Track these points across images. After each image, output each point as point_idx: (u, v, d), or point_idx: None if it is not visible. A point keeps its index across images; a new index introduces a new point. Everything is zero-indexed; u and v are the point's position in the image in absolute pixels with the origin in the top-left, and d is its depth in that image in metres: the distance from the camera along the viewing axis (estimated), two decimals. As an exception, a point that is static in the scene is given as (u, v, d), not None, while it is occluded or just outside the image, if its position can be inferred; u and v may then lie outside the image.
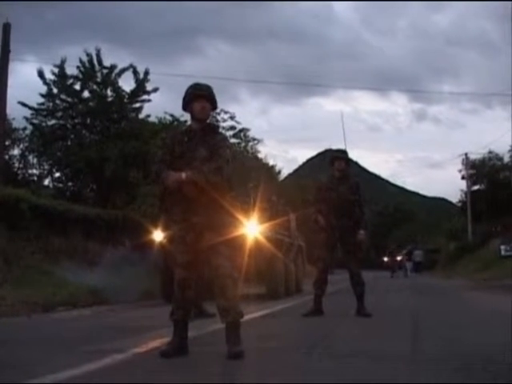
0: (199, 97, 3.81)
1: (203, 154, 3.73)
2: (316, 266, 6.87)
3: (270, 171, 23.00)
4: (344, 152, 6.76)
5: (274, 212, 10.94)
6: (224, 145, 3.86)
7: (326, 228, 6.45)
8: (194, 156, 3.73)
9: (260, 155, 23.50)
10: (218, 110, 20.72)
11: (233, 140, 21.61)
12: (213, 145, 3.76)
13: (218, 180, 3.66)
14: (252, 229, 9.12)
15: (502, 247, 23.35)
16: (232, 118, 21.81)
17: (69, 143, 18.53)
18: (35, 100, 18.05)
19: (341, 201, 6.41)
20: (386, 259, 45.17)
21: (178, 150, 3.79)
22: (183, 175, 3.63)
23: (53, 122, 18.35)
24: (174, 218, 3.77)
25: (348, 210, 6.43)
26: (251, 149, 22.65)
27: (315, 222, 6.59)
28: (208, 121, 4.01)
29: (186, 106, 3.90)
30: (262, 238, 9.41)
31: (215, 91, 3.91)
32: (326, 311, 6.53)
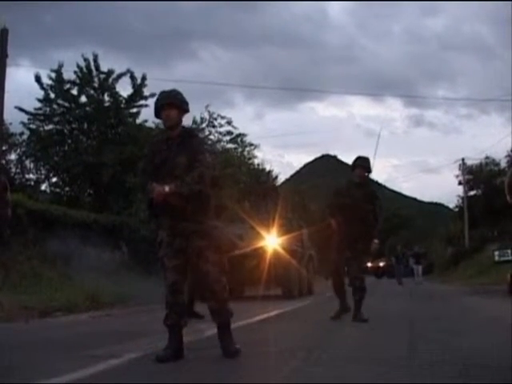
0: (162, 106, 3.85)
1: (183, 160, 3.76)
2: (329, 268, 6.98)
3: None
4: (366, 160, 6.79)
5: (290, 227, 12.66)
6: (202, 149, 3.92)
7: (339, 232, 6.50)
8: (175, 164, 3.77)
9: (256, 160, 23.50)
10: (214, 115, 20.76)
11: (230, 145, 21.60)
12: (191, 151, 3.79)
13: (201, 188, 3.72)
14: (271, 241, 11.24)
15: (496, 253, 23.37)
16: (229, 123, 21.79)
17: (66, 148, 18.50)
18: (31, 105, 18.07)
19: (354, 206, 6.43)
20: (369, 265, 45.12)
21: (158, 159, 3.83)
22: (166, 188, 3.65)
23: (50, 126, 18.31)
24: (163, 225, 3.82)
25: (360, 217, 6.43)
26: (248, 154, 22.63)
27: (328, 225, 6.67)
28: (191, 124, 4.05)
29: (157, 116, 3.96)
30: (279, 249, 11.29)
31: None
32: (324, 316, 6.54)
